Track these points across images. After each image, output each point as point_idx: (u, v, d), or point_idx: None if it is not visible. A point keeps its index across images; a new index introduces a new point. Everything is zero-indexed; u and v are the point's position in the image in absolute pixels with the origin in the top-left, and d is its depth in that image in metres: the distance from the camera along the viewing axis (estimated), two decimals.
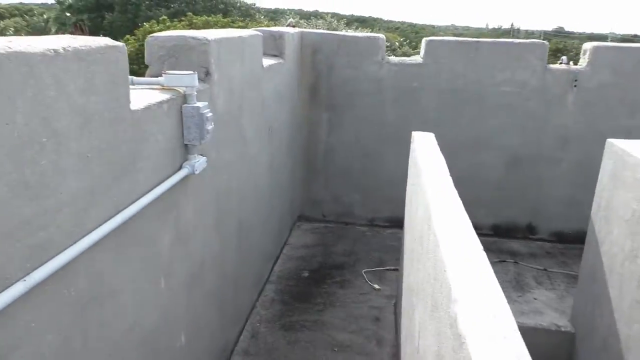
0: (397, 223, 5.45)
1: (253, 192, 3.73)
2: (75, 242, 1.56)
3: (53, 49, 1.43)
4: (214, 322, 3.05)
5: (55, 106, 1.45)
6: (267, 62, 3.96)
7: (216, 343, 3.13)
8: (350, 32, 5.49)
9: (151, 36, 2.66)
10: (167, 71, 2.34)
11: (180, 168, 2.34)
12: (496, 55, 5.04)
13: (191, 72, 2.32)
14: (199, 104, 2.35)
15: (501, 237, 5.44)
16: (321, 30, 5.97)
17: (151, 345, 2.18)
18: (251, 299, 3.92)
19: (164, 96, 2.19)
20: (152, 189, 2.05)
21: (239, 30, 3.61)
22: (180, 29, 23.26)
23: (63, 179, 1.50)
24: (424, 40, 5.26)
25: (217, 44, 2.74)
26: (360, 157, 5.46)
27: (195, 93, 2.35)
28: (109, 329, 1.83)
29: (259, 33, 3.69)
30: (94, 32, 25.39)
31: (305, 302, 4.06)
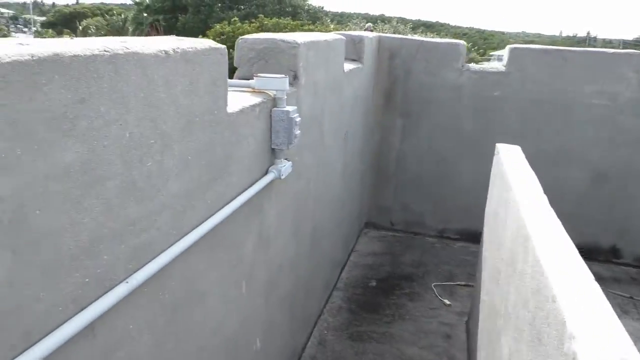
0: (469, 236, 5.26)
1: (327, 197, 3.68)
2: (172, 245, 1.55)
3: (164, 50, 1.42)
4: (285, 327, 3.01)
5: (163, 108, 1.44)
6: (347, 66, 3.90)
7: (287, 348, 3.10)
8: (430, 38, 5.34)
9: (241, 38, 2.66)
10: (258, 74, 2.33)
11: (266, 172, 2.31)
12: (586, 66, 4.75)
13: (282, 75, 2.29)
14: (289, 108, 2.31)
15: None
16: (399, 35, 5.87)
17: (231, 350, 2.17)
18: (319, 306, 3.87)
19: (256, 99, 2.17)
20: (241, 193, 2.03)
21: (324, 34, 3.58)
22: (250, 30, 23.79)
23: (165, 181, 1.50)
24: (507, 47, 5.04)
25: (306, 47, 2.71)
26: (434, 165, 5.31)
27: (285, 97, 2.32)
28: (196, 333, 1.82)
29: (342, 37, 3.64)
30: (168, 32, 26.44)
31: (373, 313, 3.96)
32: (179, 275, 1.64)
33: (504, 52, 5.10)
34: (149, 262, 1.44)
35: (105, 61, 1.18)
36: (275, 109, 2.31)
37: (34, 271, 1.05)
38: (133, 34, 27.21)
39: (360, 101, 4.53)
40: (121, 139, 1.27)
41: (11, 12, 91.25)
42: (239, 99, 2.09)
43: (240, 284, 2.20)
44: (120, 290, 1.30)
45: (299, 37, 2.74)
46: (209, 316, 1.91)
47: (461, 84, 5.04)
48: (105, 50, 1.19)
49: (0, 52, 0.93)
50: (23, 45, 1.01)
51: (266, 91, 2.31)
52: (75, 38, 1.28)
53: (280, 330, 2.91)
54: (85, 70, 1.12)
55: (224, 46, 1.79)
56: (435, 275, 4.58)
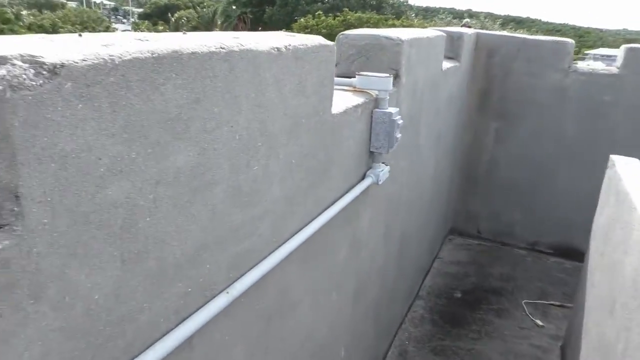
0: (565, 252, 4.87)
1: (417, 201, 3.51)
2: (271, 253, 1.47)
3: (277, 48, 1.33)
4: (369, 335, 2.89)
5: (272, 109, 1.35)
6: (445, 64, 3.69)
7: (368, 358, 2.97)
8: (532, 36, 4.97)
9: (342, 34, 2.55)
10: (360, 72, 2.20)
11: (364, 177, 2.19)
12: None
13: (387, 74, 2.15)
14: (391, 110, 2.18)
15: None
16: (499, 32, 5.53)
17: (318, 359, 2.08)
18: (401, 314, 3.72)
19: (359, 99, 2.05)
20: (339, 198, 1.92)
21: (424, 29, 3.39)
22: (335, 24, 23.74)
23: (270, 186, 1.41)
24: (622, 47, 4.57)
25: (409, 44, 2.55)
26: (529, 173, 4.95)
27: (388, 97, 2.19)
28: (287, 343, 1.74)
29: (443, 34, 3.43)
30: (254, 25, 27.03)
31: (457, 327, 3.75)
32: (275, 284, 1.56)
33: (619, 52, 4.63)
34: (249, 270, 1.36)
35: (221, 59, 1.11)
36: (376, 110, 2.18)
37: (140, 281, 0.99)
38: (222, 27, 28.09)
39: (454, 101, 4.29)
40: (231, 141, 1.19)
41: (112, 3, 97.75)
42: (341, 99, 1.98)
43: (330, 292, 2.10)
44: (221, 301, 1.23)
45: (402, 33, 2.59)
46: (300, 326, 1.83)
47: (566, 86, 4.64)
48: (221, 47, 1.11)
49: (121, 48, 0.87)
50: (143, 42, 0.94)
51: (368, 91, 2.19)
52: (187, 33, 1.22)
53: (363, 338, 2.79)
54: (202, 69, 1.05)
55: (332, 43, 1.69)
56: (526, 292, 4.26)
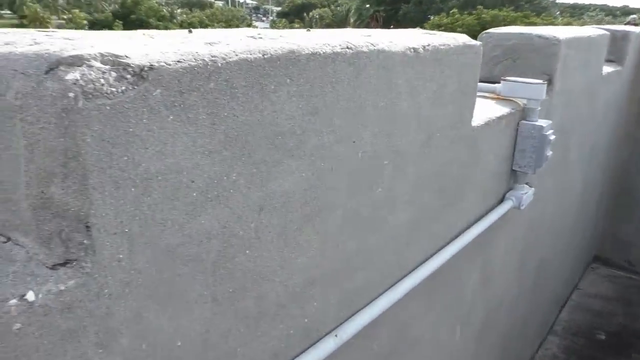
0: None
1: (559, 225, 3.05)
2: (390, 287, 1.26)
3: (413, 48, 1.11)
4: None
5: (403, 121, 1.14)
6: (605, 69, 3.17)
7: None
8: None
9: (485, 33, 2.25)
10: (506, 77, 1.89)
11: (502, 199, 1.88)
12: None
13: (540, 81, 1.82)
14: (542, 123, 1.84)
15: None
16: None
17: None
18: (531, 351, 3.28)
19: (503, 109, 1.75)
20: (472, 224, 1.65)
21: (583, 27, 2.93)
22: (471, 23, 22.71)
23: (393, 210, 1.20)
24: None
25: (567, 45, 2.16)
26: None
27: (539, 108, 1.85)
28: None
29: (605, 32, 2.94)
30: (386, 23, 26.83)
31: None
32: (392, 321, 1.35)
33: None
34: (363, 308, 1.17)
35: (346, 62, 0.92)
36: (524, 122, 1.85)
37: (234, 323, 0.84)
38: (354, 24, 28.28)
39: (611, 111, 3.70)
40: (352, 159, 1.00)
41: (254, 2, 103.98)
42: (482, 108, 1.70)
43: (454, 328, 1.83)
44: (328, 345, 1.05)
45: (558, 31, 2.21)
46: None
47: None
48: (347, 47, 0.92)
49: (227, 47, 0.71)
50: (255, 39, 0.78)
51: (514, 99, 1.87)
52: (311, 29, 1.05)
53: None
54: (322, 74, 0.87)
55: (479, 43, 1.42)
56: None
